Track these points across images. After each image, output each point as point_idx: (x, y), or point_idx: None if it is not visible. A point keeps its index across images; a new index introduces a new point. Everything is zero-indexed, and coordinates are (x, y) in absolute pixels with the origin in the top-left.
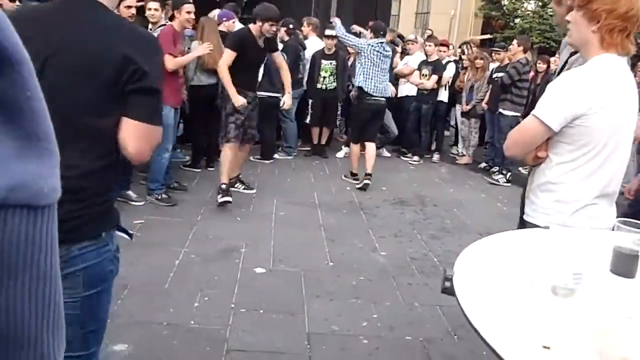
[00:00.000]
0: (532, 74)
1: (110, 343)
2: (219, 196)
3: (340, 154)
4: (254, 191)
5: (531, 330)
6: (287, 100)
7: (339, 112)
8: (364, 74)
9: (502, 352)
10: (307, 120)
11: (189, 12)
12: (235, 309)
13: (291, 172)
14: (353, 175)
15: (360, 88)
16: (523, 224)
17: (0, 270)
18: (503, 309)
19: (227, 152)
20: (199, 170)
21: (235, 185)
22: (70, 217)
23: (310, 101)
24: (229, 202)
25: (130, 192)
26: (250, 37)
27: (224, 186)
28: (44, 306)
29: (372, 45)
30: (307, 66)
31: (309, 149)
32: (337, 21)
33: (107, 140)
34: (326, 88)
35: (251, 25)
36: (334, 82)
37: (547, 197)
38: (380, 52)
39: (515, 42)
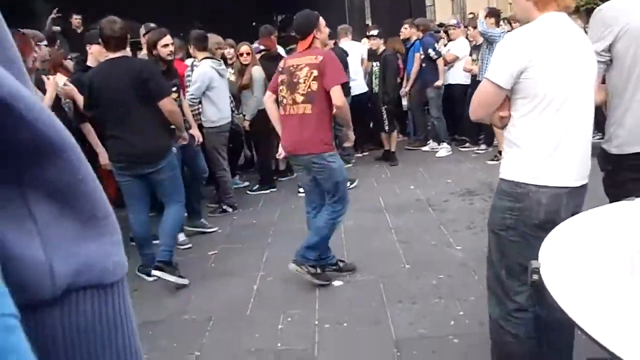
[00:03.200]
0: None
1: None
2: None
3: (441, 153)
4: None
5: (638, 317)
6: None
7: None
8: None
9: (610, 344)
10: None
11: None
12: (320, 326)
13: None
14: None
15: None
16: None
17: (80, 355)
18: (601, 298)
19: None
20: (268, 192)
21: None
22: None
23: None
24: None
25: (203, 221)
26: None
27: None
28: None
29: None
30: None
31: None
32: (481, 16)
33: None
34: (375, 92)
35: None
36: (378, 84)
37: (515, 152)
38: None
39: None
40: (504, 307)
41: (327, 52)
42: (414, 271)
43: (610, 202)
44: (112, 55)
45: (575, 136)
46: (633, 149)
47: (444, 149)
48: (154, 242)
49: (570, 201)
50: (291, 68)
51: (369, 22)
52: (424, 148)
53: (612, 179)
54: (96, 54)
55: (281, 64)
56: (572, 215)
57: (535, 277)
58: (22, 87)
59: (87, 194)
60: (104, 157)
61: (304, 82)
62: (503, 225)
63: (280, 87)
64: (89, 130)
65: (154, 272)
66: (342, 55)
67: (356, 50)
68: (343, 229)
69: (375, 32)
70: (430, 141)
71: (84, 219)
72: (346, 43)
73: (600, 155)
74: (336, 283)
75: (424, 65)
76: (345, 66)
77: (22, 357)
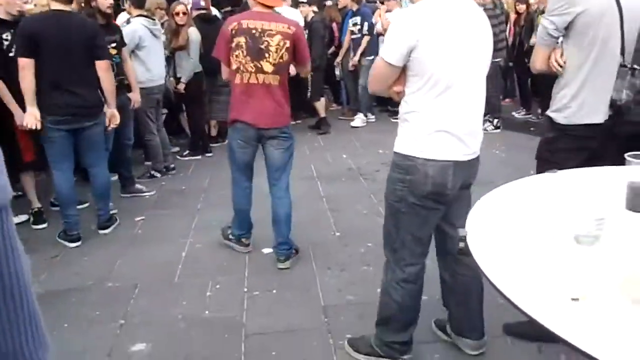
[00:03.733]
0: (514, 16)
1: (129, 344)
2: None
3: (356, 123)
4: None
5: (557, 283)
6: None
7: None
8: None
9: (528, 309)
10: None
11: None
12: (249, 293)
13: None
14: None
15: None
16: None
17: None
18: (524, 264)
19: None
20: (199, 157)
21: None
22: None
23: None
24: None
25: (138, 186)
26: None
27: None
28: (19, 316)
29: None
30: None
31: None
32: None
33: None
34: None
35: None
36: None
37: (405, 126)
38: None
39: None
40: (394, 274)
41: (297, 23)
42: (343, 239)
43: (538, 165)
44: (59, 7)
45: (464, 114)
46: (583, 120)
47: (359, 119)
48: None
49: (459, 173)
50: (254, 31)
51: None
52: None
53: (551, 145)
54: (5, 4)
55: (233, 25)
56: (462, 186)
57: (461, 244)
58: None
59: None
60: (19, 116)
61: (276, 52)
62: (396, 196)
63: (236, 52)
64: (1, 88)
65: (102, 231)
66: None
67: (294, 17)
68: None
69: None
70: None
71: None
72: (284, 9)
73: (545, 123)
74: (265, 250)
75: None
76: None
77: None
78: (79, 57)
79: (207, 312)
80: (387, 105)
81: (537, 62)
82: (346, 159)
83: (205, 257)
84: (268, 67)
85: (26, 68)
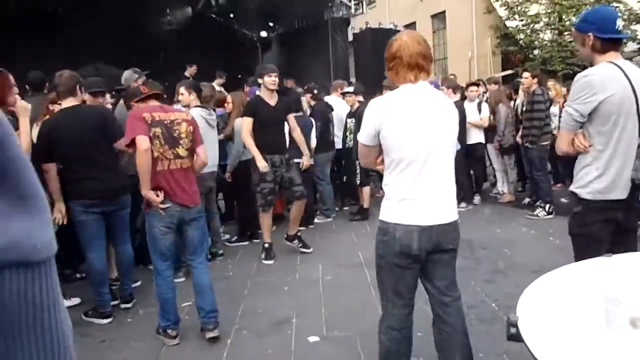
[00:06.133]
0: (562, 100)
1: None
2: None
3: None
4: (311, 250)
5: None
6: (305, 161)
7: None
8: None
9: None
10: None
11: None
12: None
13: (332, 234)
14: None
15: None
16: None
17: (4, 333)
18: (580, 350)
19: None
20: (246, 243)
21: (294, 242)
22: None
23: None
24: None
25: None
26: (260, 100)
27: (266, 245)
28: None
29: None
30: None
31: (350, 209)
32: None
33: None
34: (350, 147)
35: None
36: (352, 139)
37: (384, 197)
38: None
39: (526, 74)
40: (384, 320)
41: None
42: None
43: (572, 241)
44: (65, 105)
45: (427, 185)
46: (605, 197)
47: None
48: None
49: (424, 237)
50: (166, 122)
51: (352, 79)
52: None
53: (580, 220)
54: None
55: (146, 115)
56: (433, 248)
57: (512, 330)
58: None
59: (16, 171)
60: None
61: (186, 137)
62: (377, 254)
63: (155, 142)
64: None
65: (125, 305)
66: (325, 110)
67: (341, 106)
68: (321, 284)
69: (350, 88)
70: None
71: (12, 196)
72: (333, 98)
73: (571, 198)
74: (312, 339)
75: None
76: (327, 121)
77: None
78: (98, 144)
79: None
80: None
81: (563, 145)
82: None
83: (251, 345)
84: (183, 152)
85: (50, 171)
